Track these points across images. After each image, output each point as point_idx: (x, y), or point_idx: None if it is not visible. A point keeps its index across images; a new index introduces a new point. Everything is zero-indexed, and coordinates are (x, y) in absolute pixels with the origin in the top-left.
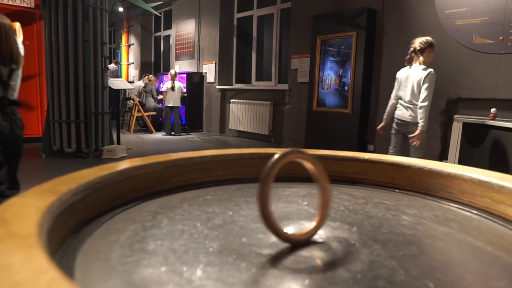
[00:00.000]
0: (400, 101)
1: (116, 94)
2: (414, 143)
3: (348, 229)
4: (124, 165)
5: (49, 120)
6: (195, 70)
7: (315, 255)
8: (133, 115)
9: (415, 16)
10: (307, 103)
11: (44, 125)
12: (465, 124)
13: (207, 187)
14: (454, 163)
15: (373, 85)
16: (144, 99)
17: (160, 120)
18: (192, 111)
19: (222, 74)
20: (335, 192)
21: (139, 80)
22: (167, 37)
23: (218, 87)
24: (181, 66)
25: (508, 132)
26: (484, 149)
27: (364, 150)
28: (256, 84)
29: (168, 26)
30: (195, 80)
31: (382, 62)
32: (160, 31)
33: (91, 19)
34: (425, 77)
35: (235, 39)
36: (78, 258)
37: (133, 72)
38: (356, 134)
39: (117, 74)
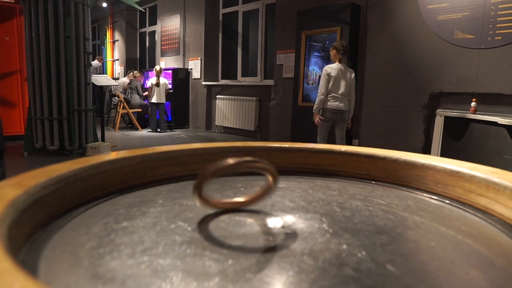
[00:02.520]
0: (333, 94)
1: (100, 91)
2: (350, 126)
3: (320, 220)
4: (98, 159)
5: (31, 117)
6: (181, 66)
7: (285, 245)
8: (118, 112)
9: (398, 12)
10: (292, 99)
11: (26, 122)
12: (446, 118)
13: (184, 181)
14: (437, 156)
15: (357, 80)
16: (129, 96)
17: (146, 117)
18: (178, 108)
19: (208, 70)
20: (311, 184)
21: (124, 76)
22: (152, 33)
23: (204, 83)
24: (166, 62)
25: (488, 126)
26: (465, 142)
27: (349, 144)
28: (242, 80)
29: (153, 22)
30: (180, 76)
31: (366, 57)
32: (145, 27)
33: (72, 14)
34: (355, 75)
35: (220, 35)
36: (45, 251)
37: (118, 68)
38: None
39: (101, 71)
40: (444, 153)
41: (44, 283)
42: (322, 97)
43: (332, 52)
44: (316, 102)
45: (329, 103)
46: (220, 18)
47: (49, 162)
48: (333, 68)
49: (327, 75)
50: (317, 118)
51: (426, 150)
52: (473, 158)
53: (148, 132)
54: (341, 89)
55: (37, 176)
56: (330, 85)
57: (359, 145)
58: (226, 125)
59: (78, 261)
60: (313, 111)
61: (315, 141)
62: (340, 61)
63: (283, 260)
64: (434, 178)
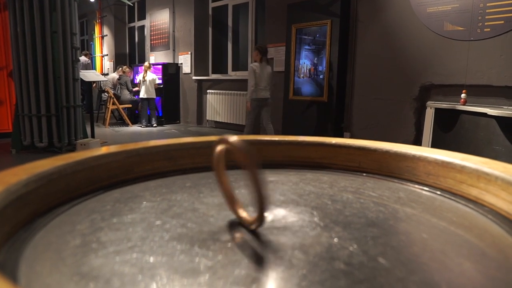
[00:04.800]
0: (258, 87)
1: (89, 87)
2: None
3: (311, 213)
4: (82, 155)
5: (19, 114)
6: (171, 61)
7: (274, 240)
8: (108, 107)
9: (388, 4)
10: (283, 92)
11: (13, 119)
12: (437, 110)
13: (173, 176)
14: (427, 147)
15: (348, 72)
16: (119, 92)
17: (136, 112)
18: (169, 103)
19: (198, 64)
20: (302, 177)
21: (114, 72)
22: (142, 28)
23: (194, 77)
24: (156, 57)
25: (477, 117)
26: (455, 133)
27: (341, 137)
28: (232, 74)
29: (142, 17)
30: (171, 71)
31: (357, 49)
32: (134, 21)
33: (59, 9)
34: (272, 71)
35: (210, 29)
36: (26, 250)
37: (108, 64)
38: (332, 122)
39: (89, 68)
40: (435, 145)
41: (25, 283)
42: (252, 88)
43: (255, 53)
44: (248, 93)
45: (256, 93)
46: (210, 12)
47: (37, 159)
48: (256, 66)
49: (254, 72)
50: (249, 105)
51: (417, 142)
52: (463, 149)
53: (139, 128)
54: (264, 83)
55: (19, 173)
56: (256, 79)
57: (350, 137)
58: (217, 120)
59: (61, 260)
60: (247, 100)
61: (307, 134)
62: (261, 60)
63: (273, 255)
64: (425, 170)
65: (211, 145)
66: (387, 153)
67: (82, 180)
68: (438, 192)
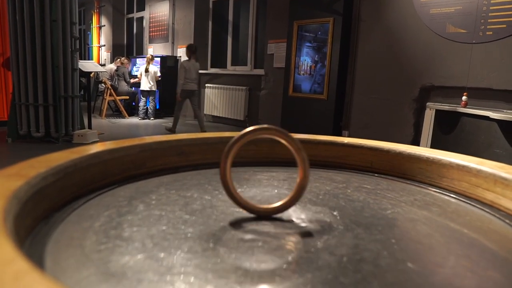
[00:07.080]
0: (187, 80)
1: (88, 77)
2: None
3: (330, 213)
4: (96, 148)
5: (15, 103)
6: (170, 54)
7: (299, 240)
8: (105, 99)
9: (391, 4)
10: (283, 89)
11: (9, 108)
12: (437, 112)
13: (184, 171)
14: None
15: (349, 71)
16: (116, 83)
17: (133, 104)
18: (167, 96)
19: (197, 57)
20: (315, 176)
21: (111, 63)
22: (140, 19)
23: None
24: (155, 49)
25: (478, 120)
26: (455, 135)
27: (339, 135)
28: (231, 69)
29: (141, 8)
30: (169, 64)
31: (358, 49)
32: (132, 12)
33: None
34: (199, 67)
35: (210, 23)
36: (49, 246)
37: (105, 54)
38: (331, 120)
39: None
40: (434, 146)
41: (55, 280)
42: (181, 82)
43: (186, 51)
44: (178, 86)
45: (185, 86)
46: (210, 6)
47: (34, 149)
48: (187, 62)
49: (183, 67)
50: (179, 96)
51: (415, 143)
52: (462, 151)
53: (136, 119)
54: (192, 76)
55: (36, 166)
56: (185, 74)
57: (349, 136)
58: (215, 114)
59: (85, 257)
60: (177, 91)
61: (306, 133)
62: (190, 58)
63: (298, 255)
64: (440, 172)
65: (222, 141)
66: (400, 155)
67: (96, 174)
68: (453, 195)
